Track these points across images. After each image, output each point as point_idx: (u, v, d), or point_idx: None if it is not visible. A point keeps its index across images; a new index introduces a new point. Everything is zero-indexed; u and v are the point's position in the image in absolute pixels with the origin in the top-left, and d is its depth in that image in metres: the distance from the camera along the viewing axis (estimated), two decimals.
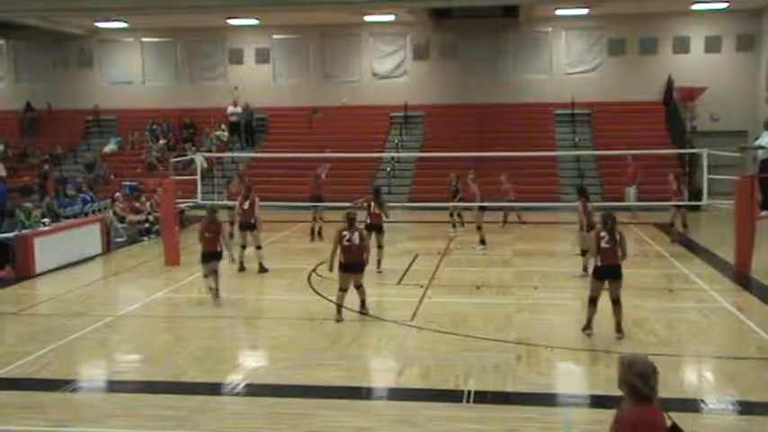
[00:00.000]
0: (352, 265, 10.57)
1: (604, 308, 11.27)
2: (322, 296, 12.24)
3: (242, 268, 14.46)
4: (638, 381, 4.08)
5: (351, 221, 10.69)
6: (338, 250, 10.64)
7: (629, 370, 4.12)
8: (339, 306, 10.70)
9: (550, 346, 9.45)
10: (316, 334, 10.20)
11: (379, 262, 14.16)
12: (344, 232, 10.56)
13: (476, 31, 28.42)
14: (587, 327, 9.92)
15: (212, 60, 30.71)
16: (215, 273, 11.85)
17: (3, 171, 25.49)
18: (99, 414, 7.61)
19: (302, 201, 19.01)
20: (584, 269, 13.17)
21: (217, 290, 11.88)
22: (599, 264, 9.75)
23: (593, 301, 9.84)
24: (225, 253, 12.03)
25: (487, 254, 16.10)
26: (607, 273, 9.70)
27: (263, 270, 14.39)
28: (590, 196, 14.43)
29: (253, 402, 7.85)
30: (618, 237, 9.69)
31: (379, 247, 14.26)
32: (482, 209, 16.80)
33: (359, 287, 10.77)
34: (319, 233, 18.24)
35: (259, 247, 14.61)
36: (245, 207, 14.63)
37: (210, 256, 11.82)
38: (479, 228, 16.66)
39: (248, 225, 14.67)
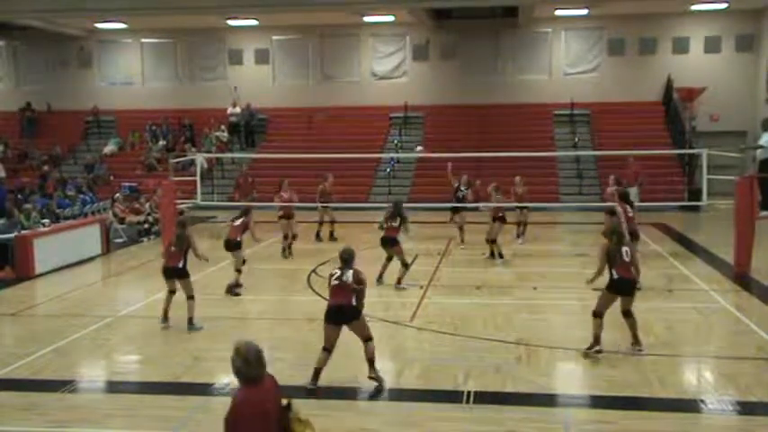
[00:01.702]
0: (341, 311, 8.10)
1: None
2: (322, 296, 12.21)
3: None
4: (242, 364, 4.51)
5: (345, 261, 8.34)
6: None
7: (236, 355, 4.54)
8: (316, 371, 8.14)
9: (550, 347, 9.45)
10: (316, 334, 10.14)
11: (381, 274, 13.17)
12: (335, 270, 8.37)
13: (476, 32, 28.43)
14: (596, 344, 9.01)
15: (212, 61, 30.70)
16: (173, 293, 10.74)
17: (2, 172, 25.49)
18: (99, 414, 7.62)
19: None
20: None
21: (190, 318, 10.60)
22: (616, 277, 8.91)
23: (600, 316, 9.01)
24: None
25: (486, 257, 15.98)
26: (626, 287, 9.00)
27: (231, 292, 12.75)
28: (631, 202, 13.79)
29: None
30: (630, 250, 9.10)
31: (389, 258, 13.16)
32: (501, 221, 15.47)
33: (367, 340, 8.21)
34: (330, 235, 18.18)
35: (238, 271, 12.94)
36: (236, 224, 13.00)
37: (168, 273, 10.72)
38: (494, 241, 15.45)
39: (231, 244, 13.00)
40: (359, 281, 8.15)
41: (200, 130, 29.08)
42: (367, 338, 8.21)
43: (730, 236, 14.25)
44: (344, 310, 8.10)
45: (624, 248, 9.05)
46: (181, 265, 10.62)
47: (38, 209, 17.23)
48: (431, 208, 19.88)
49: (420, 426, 7.15)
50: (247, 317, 11.57)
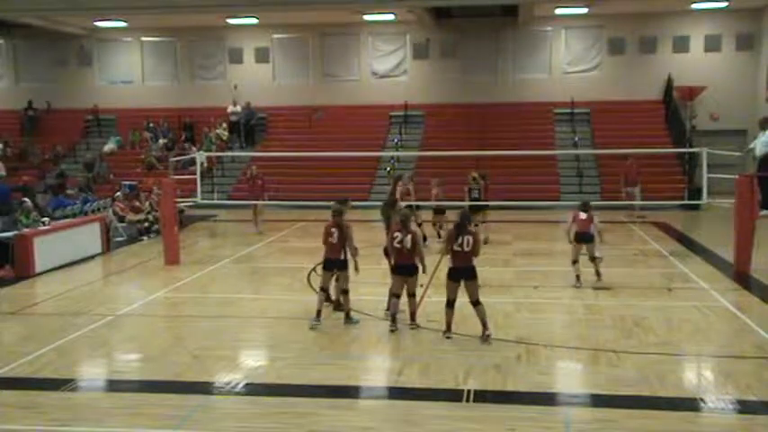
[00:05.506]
0: (402, 268, 10.07)
1: (608, 306, 11.31)
2: None
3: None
4: None
5: (403, 223, 10.11)
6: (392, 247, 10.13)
7: None
8: (393, 315, 10.10)
9: (550, 345, 9.46)
10: (316, 333, 10.20)
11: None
12: (396, 233, 10.05)
13: (476, 31, 28.43)
14: (448, 330, 9.82)
15: (212, 60, 30.71)
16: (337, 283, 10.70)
17: (2, 170, 25.48)
18: (99, 414, 7.61)
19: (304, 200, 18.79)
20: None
21: (343, 308, 10.65)
22: (452, 265, 9.76)
23: (451, 304, 9.79)
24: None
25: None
26: (462, 274, 9.74)
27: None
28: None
29: (253, 402, 7.85)
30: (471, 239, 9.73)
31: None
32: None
33: (411, 295, 10.23)
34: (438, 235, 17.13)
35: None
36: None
37: (331, 264, 10.45)
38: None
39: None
40: (415, 243, 9.95)
41: (200, 128, 29.10)
42: (413, 294, 10.17)
43: (730, 235, 14.24)
44: (404, 267, 10.05)
45: (464, 238, 9.64)
46: (342, 257, 10.32)
47: (51, 207, 17.21)
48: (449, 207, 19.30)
49: (420, 425, 7.14)
50: (247, 316, 11.55)
